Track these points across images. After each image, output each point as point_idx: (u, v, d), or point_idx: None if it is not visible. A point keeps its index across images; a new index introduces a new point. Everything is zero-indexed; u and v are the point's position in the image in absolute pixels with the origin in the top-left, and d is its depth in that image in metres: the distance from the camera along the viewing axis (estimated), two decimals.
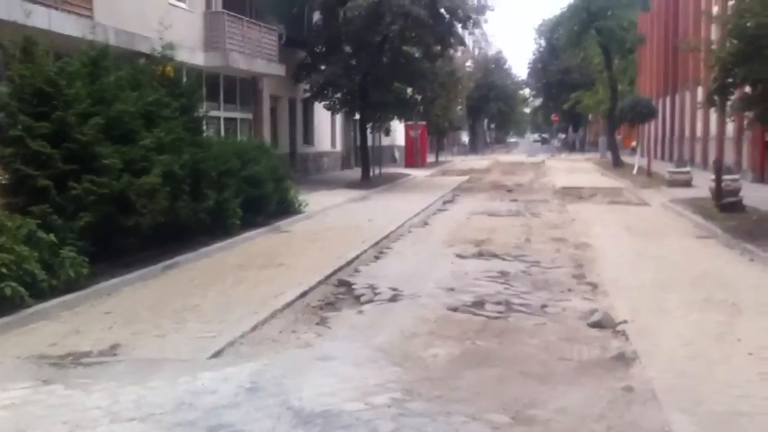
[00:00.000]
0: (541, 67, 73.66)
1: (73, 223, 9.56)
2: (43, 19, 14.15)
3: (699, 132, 34.32)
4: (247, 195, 14.86)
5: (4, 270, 7.93)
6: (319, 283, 10.20)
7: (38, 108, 10.08)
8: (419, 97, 32.79)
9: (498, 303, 9.06)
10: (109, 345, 7.29)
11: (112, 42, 14.92)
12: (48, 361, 6.85)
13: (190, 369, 6.61)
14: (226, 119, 24.60)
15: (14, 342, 7.47)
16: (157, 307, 8.94)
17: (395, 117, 35.01)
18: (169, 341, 7.49)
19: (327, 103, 30.48)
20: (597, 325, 8.02)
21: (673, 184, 24.76)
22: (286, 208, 17.52)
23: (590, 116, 76.02)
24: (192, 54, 20.93)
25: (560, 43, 49.62)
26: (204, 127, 14.82)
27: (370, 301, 9.34)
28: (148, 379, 6.34)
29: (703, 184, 21.55)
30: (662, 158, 41.83)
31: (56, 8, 15.35)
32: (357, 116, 32.89)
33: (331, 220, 17.95)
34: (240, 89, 25.85)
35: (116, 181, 10.33)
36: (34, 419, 5.56)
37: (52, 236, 8.95)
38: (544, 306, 8.95)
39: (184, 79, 14.65)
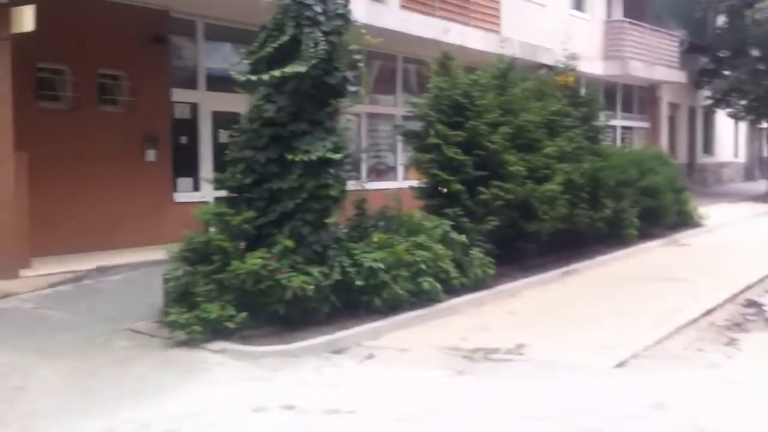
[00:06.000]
0: None
1: (481, 226, 10.14)
2: (456, 35, 15.22)
3: None
4: (644, 205, 14.57)
5: (422, 266, 8.67)
6: (725, 301, 9.64)
7: (453, 118, 10.82)
8: None
9: None
10: (514, 344, 7.61)
11: (517, 54, 15.57)
12: (460, 353, 7.36)
13: (593, 376, 6.67)
14: (623, 128, 24.31)
15: (429, 333, 8.14)
16: (556, 312, 9.17)
17: None
18: (570, 346, 7.62)
19: (730, 110, 28.60)
20: None
21: None
22: (684, 221, 16.81)
23: None
24: (590, 63, 20.99)
25: None
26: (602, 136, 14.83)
27: None
28: (553, 381, 6.52)
29: None
30: None
31: (467, 25, 16.45)
32: (764, 124, 30.36)
33: (734, 235, 16.80)
34: (637, 97, 25.35)
35: (520, 187, 10.76)
36: (447, 405, 5.99)
37: (463, 237, 9.60)
38: None
39: (583, 89, 14.78)
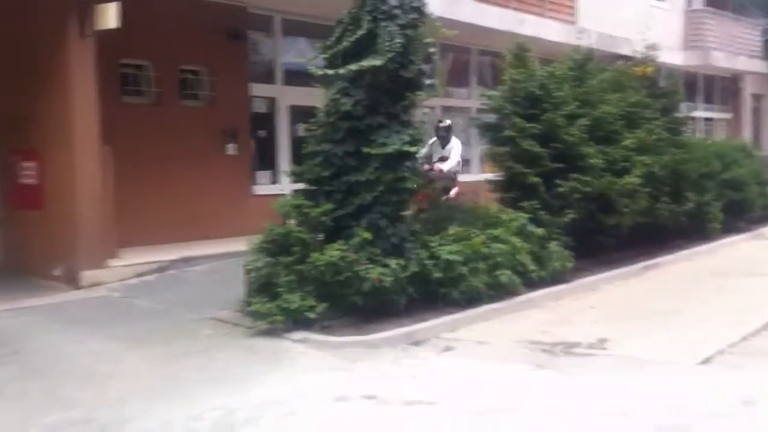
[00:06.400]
0: None
1: (558, 219, 10.00)
2: (531, 27, 15.05)
3: None
4: (728, 199, 14.19)
5: (500, 259, 8.62)
6: None
7: (529, 110, 10.67)
8: None
9: None
10: (596, 339, 7.48)
11: (594, 45, 15.28)
12: (540, 347, 7.28)
13: (678, 372, 6.51)
14: (705, 119, 23.71)
15: (508, 326, 8.09)
16: (638, 307, 9.01)
17: None
18: (653, 342, 7.45)
19: None
20: None
21: None
22: None
23: None
24: (670, 54, 20.43)
25: None
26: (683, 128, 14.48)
27: None
28: (636, 377, 6.39)
29: None
30: None
31: (543, 16, 16.24)
32: None
33: None
34: (718, 88, 24.69)
35: (598, 180, 10.59)
36: (527, 399, 5.92)
37: (540, 230, 9.50)
38: None
39: (663, 80, 14.45)
